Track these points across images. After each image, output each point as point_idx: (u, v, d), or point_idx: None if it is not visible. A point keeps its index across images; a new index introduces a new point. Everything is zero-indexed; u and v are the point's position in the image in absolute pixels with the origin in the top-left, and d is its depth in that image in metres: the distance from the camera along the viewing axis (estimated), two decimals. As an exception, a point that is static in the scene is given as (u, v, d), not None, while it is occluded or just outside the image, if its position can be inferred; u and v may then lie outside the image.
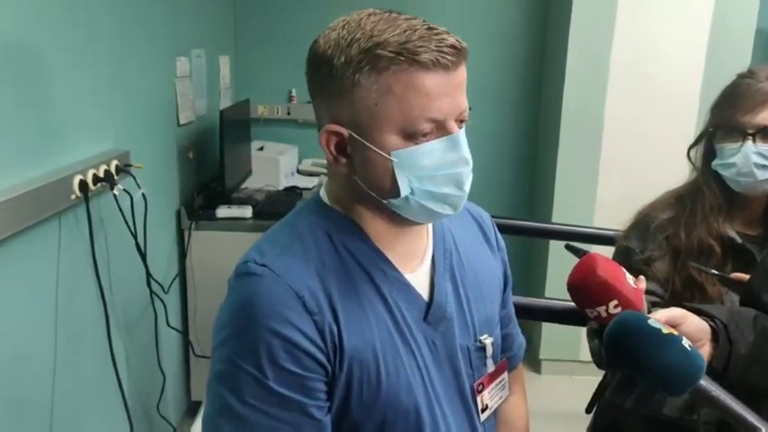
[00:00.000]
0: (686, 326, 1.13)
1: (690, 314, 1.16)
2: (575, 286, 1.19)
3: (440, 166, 0.95)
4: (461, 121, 0.96)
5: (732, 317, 1.20)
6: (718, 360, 1.16)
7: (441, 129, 0.94)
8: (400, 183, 0.95)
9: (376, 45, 0.89)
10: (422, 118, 0.91)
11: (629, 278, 1.17)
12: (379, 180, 0.96)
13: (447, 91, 0.91)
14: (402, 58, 0.88)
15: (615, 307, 1.13)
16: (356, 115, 0.93)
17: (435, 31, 0.91)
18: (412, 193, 0.95)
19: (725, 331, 1.17)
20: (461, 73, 0.93)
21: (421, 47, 0.88)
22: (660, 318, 1.09)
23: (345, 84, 0.92)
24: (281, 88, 3.98)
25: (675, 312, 1.14)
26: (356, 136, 0.94)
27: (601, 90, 3.43)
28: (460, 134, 0.95)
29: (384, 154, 0.93)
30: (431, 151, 0.94)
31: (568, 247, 1.55)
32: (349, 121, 0.94)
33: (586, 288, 1.16)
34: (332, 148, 0.97)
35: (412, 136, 0.92)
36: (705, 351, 1.16)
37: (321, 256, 0.99)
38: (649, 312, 1.14)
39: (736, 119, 1.45)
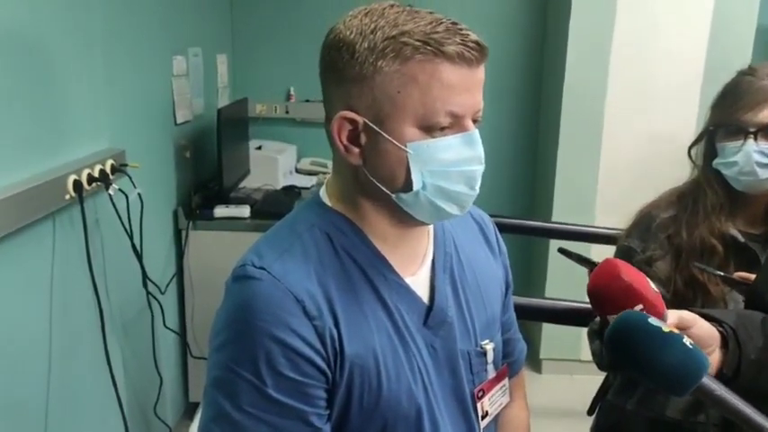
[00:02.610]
0: (697, 329, 1.11)
1: (700, 319, 1.14)
2: (597, 292, 1.17)
3: (455, 162, 0.94)
4: (475, 122, 0.95)
5: (740, 321, 1.18)
6: (729, 366, 1.14)
7: (458, 125, 0.93)
8: (413, 176, 0.93)
9: (402, 33, 0.89)
10: (442, 111, 0.90)
11: (650, 282, 1.15)
12: (392, 172, 0.94)
13: (468, 87, 0.91)
14: (429, 47, 0.88)
15: (640, 312, 1.10)
16: (375, 103, 0.92)
17: (459, 27, 0.91)
18: (423, 187, 0.94)
19: (734, 337, 1.15)
20: (481, 72, 0.93)
21: (447, 39, 0.88)
22: (671, 320, 1.07)
23: (367, 70, 0.90)
24: (279, 87, 3.96)
25: (686, 315, 1.12)
26: (372, 125, 0.92)
27: (601, 86, 3.41)
28: (477, 132, 0.95)
29: (400, 145, 0.92)
30: (447, 146, 0.93)
31: (562, 251, 1.54)
32: (365, 110, 0.93)
33: (611, 293, 1.14)
34: (343, 138, 0.95)
35: (429, 129, 0.92)
36: (715, 358, 1.13)
37: (321, 259, 0.97)
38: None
39: (738, 117, 1.44)
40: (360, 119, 0.93)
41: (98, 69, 2.16)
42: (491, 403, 1.12)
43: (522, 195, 4.10)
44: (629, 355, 0.98)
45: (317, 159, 3.89)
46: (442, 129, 0.92)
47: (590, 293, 1.18)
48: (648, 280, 1.15)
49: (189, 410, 3.13)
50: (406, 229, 1.03)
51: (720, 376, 1.12)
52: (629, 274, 1.13)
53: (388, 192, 0.96)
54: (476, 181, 0.96)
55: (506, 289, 1.22)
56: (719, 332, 1.15)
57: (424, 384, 1.00)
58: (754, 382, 1.14)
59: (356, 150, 0.95)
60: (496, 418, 1.16)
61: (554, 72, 3.65)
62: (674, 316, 1.09)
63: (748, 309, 1.32)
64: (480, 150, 0.95)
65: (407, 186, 0.94)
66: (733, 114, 1.45)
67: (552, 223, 3.23)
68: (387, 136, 0.92)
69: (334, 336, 0.93)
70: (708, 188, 1.51)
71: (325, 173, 3.72)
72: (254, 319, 0.90)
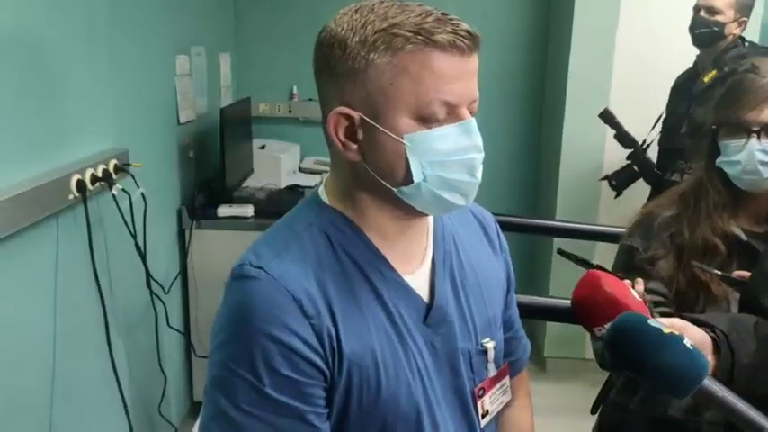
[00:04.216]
0: (687, 337, 1.11)
1: (690, 325, 1.14)
2: (580, 304, 1.17)
3: (453, 151, 0.93)
4: (471, 113, 0.95)
5: (733, 325, 1.17)
6: (722, 372, 1.13)
7: (453, 115, 0.92)
8: (413, 168, 0.93)
9: (392, 25, 0.89)
10: (436, 100, 0.90)
11: (633, 291, 1.15)
12: (391, 166, 0.94)
13: (461, 75, 0.91)
14: (419, 37, 0.88)
15: (640, 313, 1.11)
16: (369, 96, 0.91)
17: (449, 17, 0.91)
18: (424, 179, 0.94)
19: (726, 342, 1.15)
20: (474, 61, 0.93)
21: (437, 28, 0.88)
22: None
23: (359, 64, 0.90)
24: (282, 86, 3.96)
25: (675, 323, 1.11)
26: (368, 119, 0.92)
27: (605, 84, 3.41)
28: (473, 121, 0.94)
29: (396, 137, 0.92)
30: (444, 136, 0.92)
31: (561, 252, 1.53)
32: (360, 104, 0.92)
33: (594, 304, 1.14)
34: (340, 134, 0.95)
35: (425, 119, 0.91)
36: None
37: (319, 258, 0.97)
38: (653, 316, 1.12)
39: (740, 116, 1.43)
40: (355, 114, 0.93)
41: (101, 69, 2.16)
42: (491, 402, 1.11)
43: (526, 194, 4.10)
44: (629, 357, 0.98)
45: (320, 158, 3.89)
46: (438, 119, 0.92)
47: (573, 306, 1.18)
48: (631, 289, 1.16)
49: (193, 409, 3.13)
50: (406, 225, 1.02)
51: None
52: (611, 284, 1.14)
53: (389, 186, 0.96)
54: (476, 169, 0.96)
55: (508, 287, 1.22)
56: (711, 337, 1.15)
57: (423, 383, 1.00)
58: (747, 387, 1.13)
59: (354, 146, 0.95)
60: (497, 417, 1.16)
61: (557, 71, 3.65)
62: (664, 323, 1.08)
63: (743, 310, 1.32)
64: (478, 138, 0.95)
65: (408, 179, 0.94)
66: (736, 113, 1.44)
67: (555, 222, 3.22)
68: (383, 129, 0.92)
69: (332, 335, 0.93)
70: (710, 187, 1.50)
71: (328, 172, 3.73)
72: (251, 318, 0.91)
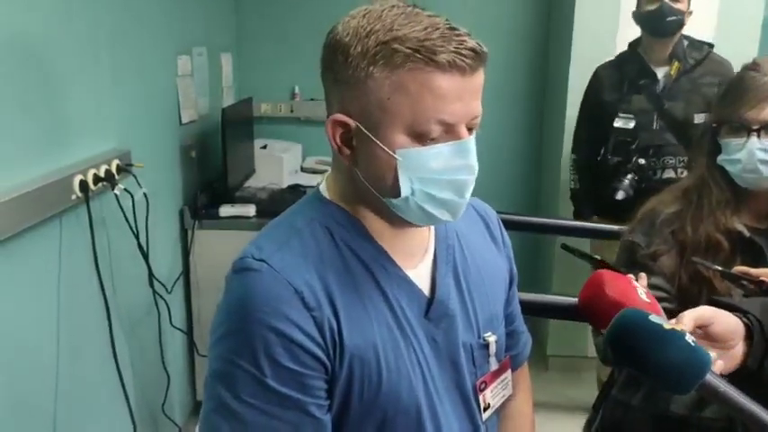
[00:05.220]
0: (717, 326, 1.10)
1: (720, 313, 1.12)
2: (585, 307, 1.17)
3: (444, 170, 0.93)
4: (470, 129, 0.94)
5: (766, 311, 1.17)
6: (753, 359, 1.12)
7: (450, 132, 0.92)
8: (402, 183, 0.93)
9: (394, 39, 0.88)
10: (432, 119, 0.89)
11: (641, 291, 1.14)
12: (381, 177, 0.94)
13: (461, 95, 0.89)
14: (419, 55, 0.87)
15: (640, 310, 1.10)
16: (367, 107, 0.91)
17: (456, 32, 0.89)
18: (412, 194, 0.94)
19: (759, 327, 1.13)
20: (478, 78, 0.91)
21: (440, 46, 0.86)
22: (688, 319, 1.06)
23: (359, 74, 0.90)
24: (284, 86, 3.96)
25: (704, 313, 1.10)
26: (363, 129, 0.92)
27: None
28: (470, 140, 0.93)
29: (389, 151, 0.92)
30: (437, 154, 0.92)
31: (565, 247, 1.53)
32: (358, 113, 0.92)
33: (598, 308, 1.14)
34: (337, 139, 0.96)
35: (420, 137, 0.91)
36: (738, 350, 1.12)
37: (320, 251, 0.98)
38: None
39: (741, 114, 1.43)
40: (352, 122, 0.93)
41: (104, 70, 2.17)
42: (493, 396, 1.12)
43: (527, 193, 4.09)
44: (630, 354, 0.98)
45: (322, 158, 3.89)
46: (434, 137, 0.91)
47: (580, 309, 1.18)
48: (638, 287, 1.14)
49: (197, 409, 3.13)
50: (403, 229, 1.03)
51: (744, 368, 1.11)
52: (614, 287, 1.13)
53: (379, 196, 0.96)
54: (466, 189, 0.96)
55: (510, 281, 1.22)
56: (744, 323, 1.14)
57: (423, 377, 1.01)
58: None
59: (348, 152, 0.96)
60: (499, 410, 1.16)
61: (559, 70, 3.64)
62: (691, 316, 1.08)
63: None
64: (472, 159, 0.94)
65: (396, 192, 0.94)
66: (736, 111, 1.44)
67: (558, 220, 3.21)
68: (377, 141, 0.92)
69: (334, 327, 0.93)
70: (713, 184, 1.51)
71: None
72: (253, 310, 0.91)
